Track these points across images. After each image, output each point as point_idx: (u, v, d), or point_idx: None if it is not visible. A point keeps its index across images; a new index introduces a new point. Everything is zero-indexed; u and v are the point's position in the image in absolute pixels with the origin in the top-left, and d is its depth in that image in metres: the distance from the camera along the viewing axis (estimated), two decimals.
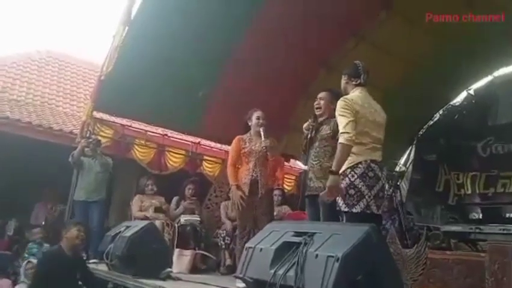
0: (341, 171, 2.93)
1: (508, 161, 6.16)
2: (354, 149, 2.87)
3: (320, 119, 3.64)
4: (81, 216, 5.04)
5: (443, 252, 3.69)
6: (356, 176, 2.88)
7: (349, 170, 2.90)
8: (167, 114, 5.86)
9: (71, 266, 3.87)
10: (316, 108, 3.67)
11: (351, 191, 2.88)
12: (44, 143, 6.46)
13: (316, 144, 3.56)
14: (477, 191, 6.43)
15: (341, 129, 2.88)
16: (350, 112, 2.90)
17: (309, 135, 3.61)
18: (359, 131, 2.89)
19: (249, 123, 4.08)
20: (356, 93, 3.08)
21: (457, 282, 3.37)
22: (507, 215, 3.72)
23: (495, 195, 6.16)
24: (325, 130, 3.56)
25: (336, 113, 2.96)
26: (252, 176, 3.91)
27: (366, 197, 2.87)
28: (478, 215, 4.10)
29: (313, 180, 3.52)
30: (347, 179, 2.90)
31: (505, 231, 3.27)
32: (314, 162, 3.54)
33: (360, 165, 2.89)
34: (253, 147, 3.97)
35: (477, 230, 3.51)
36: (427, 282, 3.54)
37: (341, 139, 2.85)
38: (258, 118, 4.03)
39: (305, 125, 3.67)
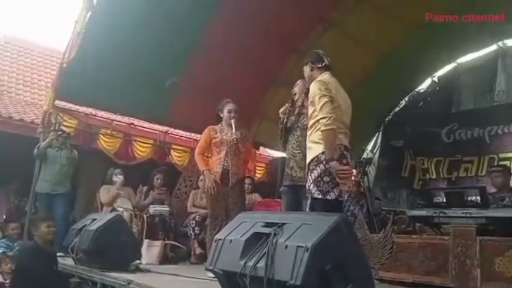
0: (313, 156, 2.90)
1: (471, 146, 6.36)
2: None
3: (299, 105, 3.59)
4: (44, 209, 4.88)
5: (409, 236, 3.78)
6: None
7: (324, 156, 2.86)
8: (134, 102, 5.71)
9: (49, 259, 3.82)
10: (293, 95, 3.65)
11: (326, 178, 2.85)
12: (4, 134, 6.18)
13: (298, 133, 3.51)
14: (441, 176, 6.63)
15: (320, 114, 2.83)
16: (327, 94, 2.86)
17: (285, 120, 3.57)
18: None
19: (221, 115, 4.01)
20: (327, 77, 3.03)
21: (423, 265, 3.46)
22: (469, 199, 3.82)
23: (458, 180, 6.37)
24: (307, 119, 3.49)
25: (313, 96, 2.91)
26: (224, 165, 3.87)
27: (339, 184, 2.87)
28: (441, 198, 4.23)
29: (295, 169, 3.48)
30: (321, 165, 2.86)
31: (467, 215, 3.36)
32: (296, 151, 3.50)
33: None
34: (224, 137, 3.91)
35: (441, 214, 3.58)
36: (394, 266, 3.63)
37: (323, 126, 2.80)
38: (229, 112, 3.95)
39: (282, 109, 3.61)
